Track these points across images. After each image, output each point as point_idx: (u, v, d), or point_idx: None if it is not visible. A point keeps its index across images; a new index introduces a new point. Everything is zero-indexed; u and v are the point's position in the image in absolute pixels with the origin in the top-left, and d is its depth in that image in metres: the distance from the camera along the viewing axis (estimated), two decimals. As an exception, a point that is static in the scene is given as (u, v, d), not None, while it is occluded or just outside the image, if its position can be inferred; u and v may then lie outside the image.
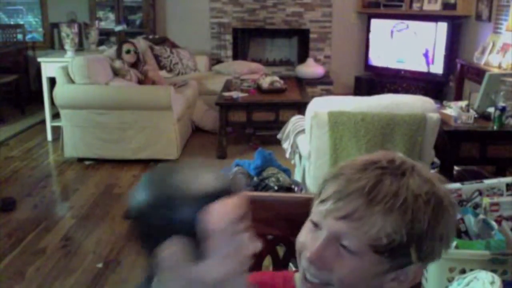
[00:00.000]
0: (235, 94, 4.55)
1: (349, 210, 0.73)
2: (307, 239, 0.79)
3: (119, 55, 4.69)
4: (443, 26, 5.53)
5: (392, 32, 6.04)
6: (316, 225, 0.78)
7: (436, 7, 5.73)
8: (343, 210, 0.74)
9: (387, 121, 2.64)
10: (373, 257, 0.74)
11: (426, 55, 5.75)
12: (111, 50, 5.03)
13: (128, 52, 4.68)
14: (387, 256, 0.74)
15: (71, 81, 4.17)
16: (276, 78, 4.86)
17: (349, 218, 0.73)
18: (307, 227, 0.81)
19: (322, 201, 0.77)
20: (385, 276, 0.77)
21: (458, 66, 5.09)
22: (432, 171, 3.25)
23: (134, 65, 4.78)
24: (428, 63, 5.73)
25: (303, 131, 3.05)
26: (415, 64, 5.86)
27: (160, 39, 6.02)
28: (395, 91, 5.63)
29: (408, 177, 0.75)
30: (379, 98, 2.85)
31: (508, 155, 3.00)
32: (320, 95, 5.35)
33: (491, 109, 3.01)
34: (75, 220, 3.23)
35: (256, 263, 1.14)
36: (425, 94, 3.36)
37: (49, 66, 4.73)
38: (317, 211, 0.78)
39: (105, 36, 6.28)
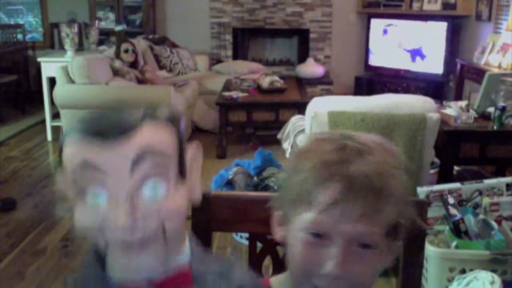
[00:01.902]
0: (235, 94, 4.55)
1: (365, 208, 0.70)
2: (314, 255, 0.73)
3: (117, 54, 4.69)
4: (443, 26, 5.53)
5: (392, 32, 6.04)
6: (320, 236, 0.73)
7: (436, 7, 5.74)
8: (358, 209, 0.70)
9: (387, 121, 2.64)
10: (386, 243, 0.74)
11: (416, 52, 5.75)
12: (111, 50, 5.03)
13: (126, 51, 4.69)
14: (393, 236, 0.75)
15: (71, 81, 4.17)
16: (276, 78, 4.86)
17: (367, 216, 0.70)
18: (303, 242, 0.74)
19: (324, 209, 0.71)
20: (386, 259, 0.77)
21: (458, 66, 5.09)
22: (432, 171, 3.25)
23: (134, 64, 4.78)
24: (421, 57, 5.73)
25: (303, 131, 3.05)
26: (415, 64, 5.86)
27: (160, 39, 6.03)
28: (395, 91, 5.63)
29: (377, 152, 0.74)
30: (379, 98, 2.84)
31: (508, 155, 3.00)
32: (320, 95, 5.35)
33: (491, 109, 3.01)
34: (75, 220, 3.23)
35: (256, 263, 1.14)
36: (425, 94, 3.35)
37: (49, 66, 4.73)
38: (318, 221, 0.72)
39: (105, 36, 6.29)
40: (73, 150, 0.65)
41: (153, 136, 0.66)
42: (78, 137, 0.65)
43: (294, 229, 0.76)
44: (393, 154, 0.76)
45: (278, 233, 0.82)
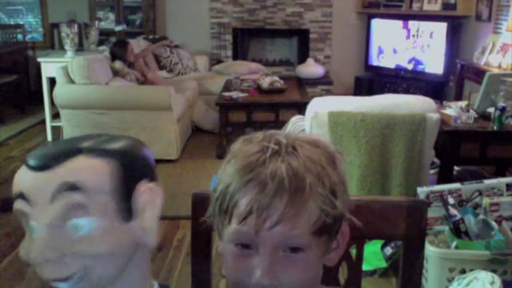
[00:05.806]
0: (235, 94, 4.55)
1: (281, 213, 0.66)
2: (243, 266, 0.70)
3: (124, 54, 4.68)
4: (443, 26, 5.53)
5: (391, 32, 6.04)
6: (245, 246, 0.70)
7: (436, 7, 5.74)
8: (274, 216, 0.66)
9: (387, 121, 2.64)
10: (318, 242, 0.70)
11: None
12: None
13: (132, 51, 4.79)
14: (326, 233, 0.71)
15: (71, 81, 4.18)
16: (276, 78, 4.87)
17: (285, 220, 0.67)
18: (231, 254, 0.72)
19: (243, 219, 0.68)
20: (328, 252, 0.75)
21: (458, 66, 5.09)
22: (432, 171, 3.25)
23: (132, 65, 4.79)
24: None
25: (303, 131, 3.05)
26: (415, 64, 5.86)
27: (160, 39, 6.03)
28: (395, 91, 5.63)
29: (301, 150, 0.70)
30: (379, 98, 2.85)
31: (508, 155, 3.00)
32: (320, 95, 5.36)
33: (491, 109, 3.01)
34: (75, 220, 3.23)
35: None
36: (425, 94, 3.35)
37: (49, 66, 4.73)
38: (239, 232, 0.69)
39: (105, 36, 6.29)
40: (15, 182, 0.66)
41: (81, 170, 0.62)
42: (22, 170, 0.66)
43: (224, 241, 0.73)
44: (324, 151, 0.72)
45: (218, 247, 0.78)
